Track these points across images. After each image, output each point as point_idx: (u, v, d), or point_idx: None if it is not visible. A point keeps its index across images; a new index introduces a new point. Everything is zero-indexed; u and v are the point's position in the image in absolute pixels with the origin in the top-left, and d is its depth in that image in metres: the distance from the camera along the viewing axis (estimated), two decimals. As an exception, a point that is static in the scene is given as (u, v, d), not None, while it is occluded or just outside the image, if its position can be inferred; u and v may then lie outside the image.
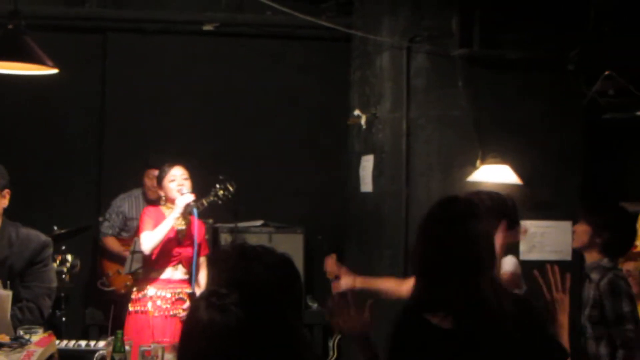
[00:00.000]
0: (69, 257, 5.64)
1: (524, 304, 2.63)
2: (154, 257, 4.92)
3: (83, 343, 3.94)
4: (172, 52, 7.02)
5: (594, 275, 4.02)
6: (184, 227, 5.00)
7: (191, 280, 4.93)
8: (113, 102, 6.94)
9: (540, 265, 2.90)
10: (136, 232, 5.40)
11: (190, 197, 4.88)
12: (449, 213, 2.61)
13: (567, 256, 5.46)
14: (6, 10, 3.79)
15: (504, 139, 5.47)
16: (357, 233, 6.31)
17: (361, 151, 6.19)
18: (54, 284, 3.89)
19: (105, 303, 6.19)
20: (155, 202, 5.41)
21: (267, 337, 1.75)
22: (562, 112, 5.65)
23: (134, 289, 5.08)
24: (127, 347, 3.63)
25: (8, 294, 3.55)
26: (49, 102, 6.64)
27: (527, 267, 3.85)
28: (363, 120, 6.08)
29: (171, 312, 4.93)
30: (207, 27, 6.89)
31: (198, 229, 4.95)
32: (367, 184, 6.05)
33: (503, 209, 3.73)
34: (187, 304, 4.90)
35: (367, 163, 6.04)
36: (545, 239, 5.57)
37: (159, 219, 4.92)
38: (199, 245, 4.96)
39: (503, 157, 5.28)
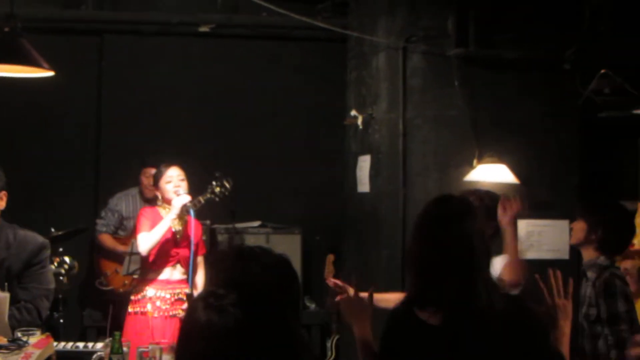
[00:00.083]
0: (67, 259, 5.63)
1: (518, 304, 2.63)
2: (151, 258, 4.93)
3: (81, 345, 3.94)
4: (168, 54, 7.02)
5: (591, 274, 4.02)
6: (180, 227, 5.00)
7: (189, 280, 4.94)
8: (110, 104, 6.94)
9: (537, 264, 2.90)
10: (133, 232, 5.40)
11: (186, 198, 4.89)
12: (444, 211, 2.62)
13: (565, 255, 5.47)
14: (2, 12, 3.79)
15: (500, 138, 5.47)
16: (355, 233, 6.31)
17: (358, 151, 6.20)
18: (52, 286, 3.89)
19: (103, 303, 6.20)
20: (152, 200, 5.42)
21: (265, 337, 1.75)
22: (558, 111, 5.66)
23: (133, 290, 5.08)
24: (125, 349, 3.63)
25: (5, 296, 3.55)
26: (46, 104, 6.64)
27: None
28: (359, 121, 6.08)
29: (171, 313, 4.93)
30: (203, 29, 6.89)
31: (195, 229, 4.95)
32: (364, 184, 6.06)
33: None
34: (186, 304, 4.90)
35: (364, 163, 6.04)
36: (542, 238, 5.57)
37: (155, 220, 4.93)
38: (196, 245, 4.97)
39: (500, 156, 5.29)
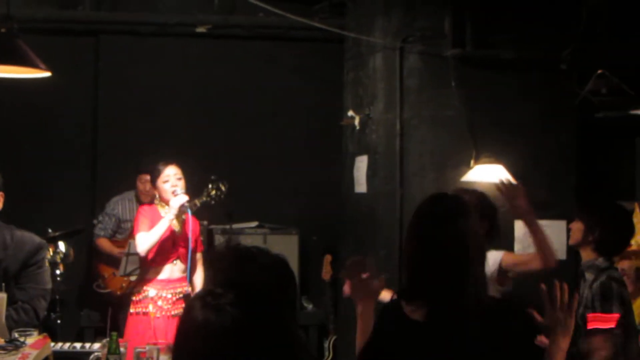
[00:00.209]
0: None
1: (507, 306, 2.63)
2: (150, 257, 4.91)
3: (78, 345, 3.95)
4: (165, 55, 7.02)
5: (589, 275, 4.01)
6: (178, 226, 5.00)
7: (188, 277, 4.95)
8: (106, 104, 6.94)
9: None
10: (131, 234, 5.39)
11: (184, 198, 4.88)
12: (437, 210, 2.62)
13: (562, 255, 5.46)
14: (-1, 13, 3.79)
15: (497, 138, 5.47)
16: (352, 233, 6.31)
17: (355, 152, 6.20)
18: (49, 286, 3.89)
19: (101, 305, 6.20)
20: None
21: (263, 337, 1.75)
22: (555, 112, 5.66)
23: (134, 291, 5.06)
24: (122, 349, 3.63)
25: (3, 296, 3.55)
26: (43, 105, 6.63)
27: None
28: (357, 121, 6.09)
29: (172, 312, 4.90)
30: (200, 29, 6.89)
31: (192, 226, 4.94)
32: (361, 185, 6.06)
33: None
34: (186, 304, 4.90)
35: (361, 164, 6.05)
36: (540, 238, 5.56)
37: (154, 218, 4.91)
38: (194, 242, 4.96)
39: (497, 156, 5.29)
